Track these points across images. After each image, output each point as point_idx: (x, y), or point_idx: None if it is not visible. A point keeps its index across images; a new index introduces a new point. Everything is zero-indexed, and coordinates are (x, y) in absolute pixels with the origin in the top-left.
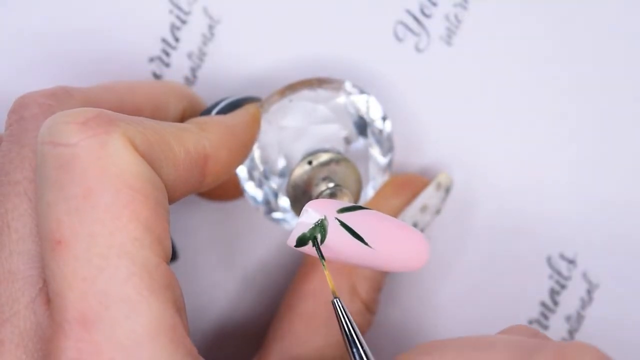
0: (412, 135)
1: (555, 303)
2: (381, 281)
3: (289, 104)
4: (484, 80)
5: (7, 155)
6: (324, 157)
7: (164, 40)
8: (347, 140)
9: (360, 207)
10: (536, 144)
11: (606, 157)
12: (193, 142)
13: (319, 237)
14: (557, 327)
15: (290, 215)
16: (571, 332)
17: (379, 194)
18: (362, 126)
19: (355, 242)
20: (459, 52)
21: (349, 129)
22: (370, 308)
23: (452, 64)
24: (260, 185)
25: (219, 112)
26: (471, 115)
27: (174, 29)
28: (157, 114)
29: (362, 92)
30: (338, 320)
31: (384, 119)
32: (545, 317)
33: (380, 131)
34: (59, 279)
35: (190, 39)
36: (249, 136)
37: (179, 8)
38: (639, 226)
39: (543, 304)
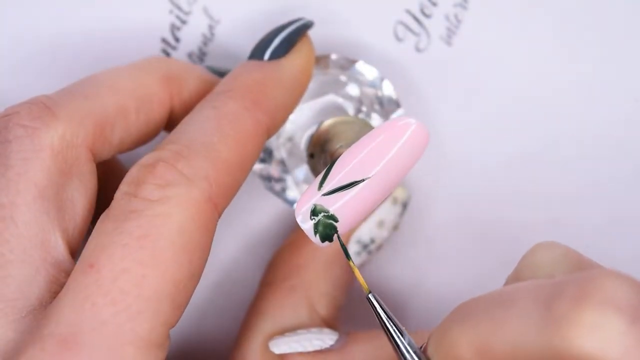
0: None
1: None
2: (340, 298)
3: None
4: (483, 80)
5: None
6: (337, 118)
7: (164, 40)
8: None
9: (332, 164)
10: (536, 144)
11: (607, 157)
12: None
13: (337, 231)
14: None
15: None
16: None
17: None
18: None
19: (356, 191)
20: (459, 52)
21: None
22: (331, 325)
23: (452, 64)
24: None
25: (273, 54)
26: (471, 115)
27: (174, 29)
28: (141, 106)
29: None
30: (376, 316)
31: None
32: None
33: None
34: (68, 295)
35: (190, 39)
36: (302, 87)
37: (179, 8)
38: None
39: None
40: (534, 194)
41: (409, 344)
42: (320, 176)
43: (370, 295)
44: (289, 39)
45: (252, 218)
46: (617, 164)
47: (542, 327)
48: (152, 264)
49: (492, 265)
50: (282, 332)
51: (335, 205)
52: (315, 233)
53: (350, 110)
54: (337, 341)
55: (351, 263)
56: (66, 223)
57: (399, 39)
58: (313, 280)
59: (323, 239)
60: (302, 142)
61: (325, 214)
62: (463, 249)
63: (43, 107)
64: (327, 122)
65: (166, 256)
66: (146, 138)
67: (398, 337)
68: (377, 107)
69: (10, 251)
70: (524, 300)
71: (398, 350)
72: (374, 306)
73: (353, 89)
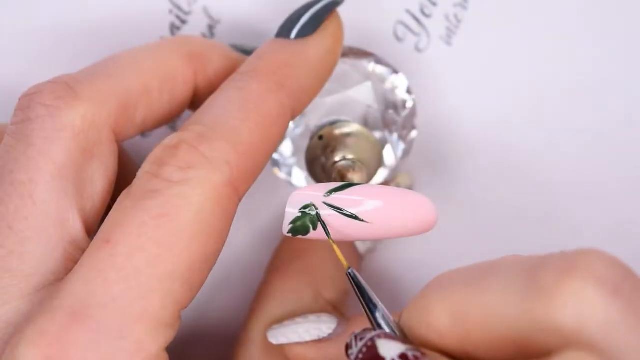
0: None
1: None
2: (346, 282)
3: None
4: (484, 80)
5: (12, 153)
6: (344, 127)
7: None
8: (368, 117)
9: (351, 185)
10: (536, 143)
11: (607, 155)
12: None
13: (320, 216)
14: None
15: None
16: None
17: None
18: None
19: (352, 224)
20: (459, 52)
21: (372, 104)
22: (338, 310)
23: (452, 64)
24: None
25: (300, 32)
26: (471, 114)
27: (174, 29)
28: (165, 85)
29: (389, 68)
30: (355, 291)
31: (409, 93)
32: None
33: (402, 109)
34: (82, 269)
35: None
36: (330, 65)
37: (179, 8)
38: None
39: None
40: (533, 193)
41: (382, 317)
42: (332, 185)
43: (349, 271)
44: (317, 17)
45: (263, 204)
46: (617, 164)
47: (523, 295)
48: (167, 243)
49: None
50: (288, 316)
51: (328, 214)
52: (292, 223)
53: (361, 108)
54: (336, 329)
55: (330, 240)
56: (84, 202)
57: (399, 39)
58: (318, 264)
59: (292, 232)
60: (311, 127)
61: (314, 213)
62: (465, 244)
63: (65, 87)
64: (330, 129)
65: (182, 237)
66: (170, 117)
67: (372, 308)
68: (390, 111)
69: (27, 228)
70: (506, 270)
71: (374, 322)
72: (351, 281)
73: (367, 87)
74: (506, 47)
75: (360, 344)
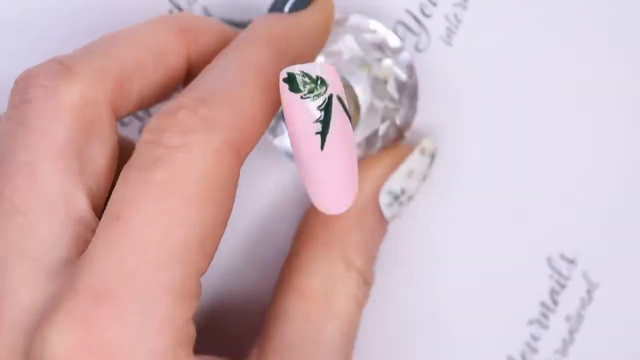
0: (411, 135)
1: (555, 303)
2: (374, 248)
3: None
4: (484, 80)
5: (13, 135)
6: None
7: None
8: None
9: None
10: (537, 143)
11: (608, 156)
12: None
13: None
14: (557, 327)
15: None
16: (571, 332)
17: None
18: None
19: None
20: (459, 52)
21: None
22: (366, 279)
23: (452, 64)
24: None
25: (294, 6)
26: (471, 114)
27: None
28: (159, 61)
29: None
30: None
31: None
32: (545, 317)
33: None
34: (96, 248)
35: None
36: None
37: (179, 8)
38: (639, 225)
39: (543, 304)
40: (533, 193)
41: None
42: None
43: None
44: None
45: (285, 175)
46: (620, 165)
47: None
48: (178, 212)
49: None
50: (319, 287)
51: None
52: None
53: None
54: None
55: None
56: (89, 181)
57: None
58: (345, 230)
59: (289, 81)
60: None
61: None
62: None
63: (61, 66)
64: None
65: (192, 204)
66: (165, 92)
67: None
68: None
69: (35, 209)
70: None
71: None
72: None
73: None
74: (506, 47)
75: None
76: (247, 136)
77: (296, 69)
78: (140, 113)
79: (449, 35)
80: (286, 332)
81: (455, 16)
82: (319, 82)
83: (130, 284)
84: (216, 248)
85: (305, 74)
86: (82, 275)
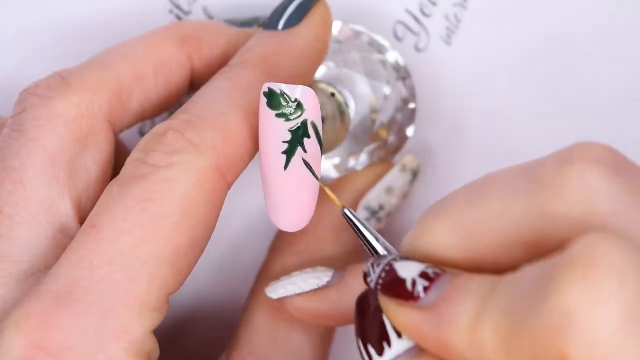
0: (411, 135)
1: None
2: (349, 264)
3: None
4: (483, 80)
5: (7, 142)
6: (327, 87)
7: None
8: (372, 110)
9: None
10: (537, 143)
11: None
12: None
13: (309, 122)
14: None
15: None
16: None
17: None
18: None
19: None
20: (459, 52)
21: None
22: (358, 251)
23: (452, 64)
24: None
25: (287, 23)
26: (471, 114)
27: None
28: (159, 71)
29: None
30: (353, 229)
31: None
32: None
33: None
34: (68, 255)
35: None
36: (320, 54)
37: (179, 8)
38: None
39: None
40: None
41: (385, 248)
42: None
43: (345, 211)
44: (303, 6)
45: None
46: None
47: (526, 193)
48: (153, 227)
49: None
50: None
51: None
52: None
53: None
54: (334, 276)
55: (320, 183)
56: (78, 191)
57: (399, 38)
58: (320, 244)
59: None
60: None
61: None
62: None
63: (59, 79)
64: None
65: (168, 221)
66: (169, 102)
67: (374, 241)
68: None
69: (18, 214)
70: (504, 177)
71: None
72: (350, 220)
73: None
74: (506, 47)
75: (378, 269)
76: (234, 160)
77: (278, 86)
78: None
79: (449, 35)
80: (254, 339)
81: (455, 16)
82: (296, 105)
83: (93, 290)
84: (191, 268)
85: (284, 94)
86: (49, 278)
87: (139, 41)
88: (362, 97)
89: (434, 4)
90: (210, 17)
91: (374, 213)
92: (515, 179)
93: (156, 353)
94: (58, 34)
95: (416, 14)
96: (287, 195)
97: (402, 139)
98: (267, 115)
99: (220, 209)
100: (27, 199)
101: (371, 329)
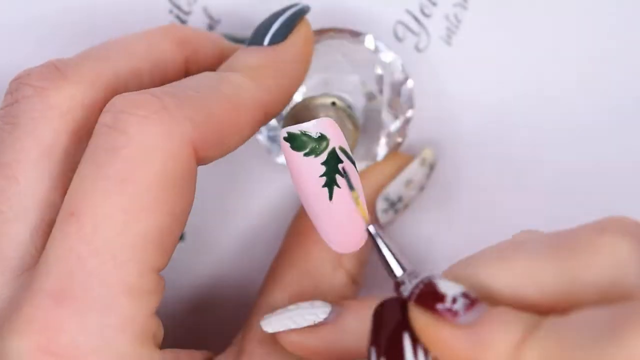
0: (411, 135)
1: None
2: (365, 254)
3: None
4: (483, 79)
5: (0, 134)
6: (324, 99)
7: None
8: (369, 97)
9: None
10: (537, 143)
11: (609, 154)
12: (251, 105)
13: (337, 147)
14: None
15: None
16: None
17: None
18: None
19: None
20: (459, 52)
21: (370, 85)
22: (355, 280)
23: (452, 64)
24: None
25: (273, 39)
26: (471, 114)
27: None
28: (155, 69)
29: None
30: (375, 247)
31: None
32: None
33: (399, 90)
34: (53, 248)
35: None
36: (303, 65)
37: (179, 8)
38: None
39: None
40: (534, 192)
41: (409, 279)
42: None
43: (369, 227)
44: (287, 23)
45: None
46: (618, 163)
47: (556, 260)
48: (133, 209)
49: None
50: (308, 284)
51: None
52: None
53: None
54: (331, 313)
55: (354, 194)
56: None
57: (399, 39)
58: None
59: (290, 140)
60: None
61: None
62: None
63: (53, 69)
64: (306, 102)
65: (147, 200)
66: None
67: (399, 269)
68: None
69: (10, 209)
70: (533, 241)
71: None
72: (374, 239)
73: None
74: (506, 47)
75: (415, 280)
76: (208, 140)
77: (296, 128)
78: None
79: (449, 35)
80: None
81: (455, 16)
82: (320, 138)
83: (87, 284)
84: (176, 242)
85: (304, 133)
86: (40, 276)
87: (138, 37)
88: (355, 88)
89: (434, 4)
90: (210, 17)
91: (392, 204)
92: (545, 244)
93: (160, 332)
94: (58, 34)
95: (416, 14)
96: (340, 221)
97: (406, 121)
98: (294, 157)
99: (194, 180)
100: (19, 194)
101: (388, 344)
